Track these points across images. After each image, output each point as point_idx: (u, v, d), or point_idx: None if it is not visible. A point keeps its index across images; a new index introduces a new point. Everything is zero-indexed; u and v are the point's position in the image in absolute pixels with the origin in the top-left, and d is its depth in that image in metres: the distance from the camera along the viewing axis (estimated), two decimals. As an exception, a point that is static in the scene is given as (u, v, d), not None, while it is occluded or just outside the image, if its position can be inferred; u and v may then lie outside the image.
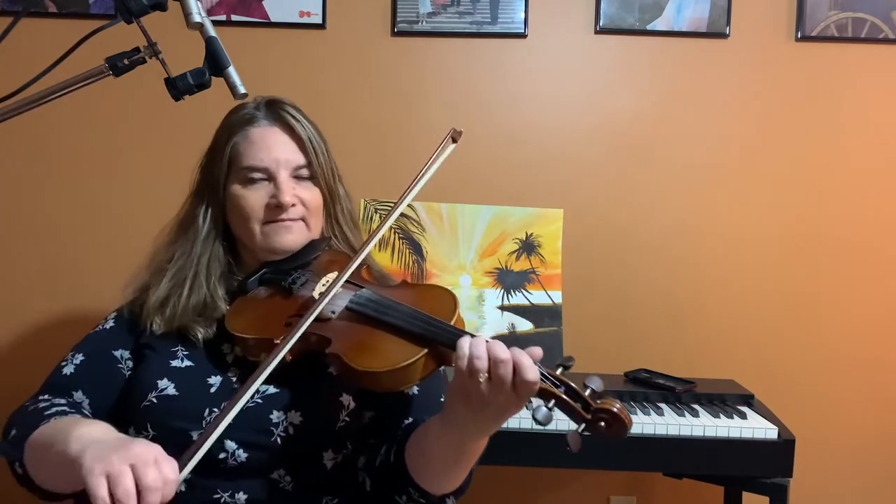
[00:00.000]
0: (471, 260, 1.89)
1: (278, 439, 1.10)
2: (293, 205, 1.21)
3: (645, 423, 1.58)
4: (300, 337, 1.05)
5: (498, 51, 2.03)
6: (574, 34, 2.03)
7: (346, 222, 1.30)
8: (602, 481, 2.08)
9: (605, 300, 2.05)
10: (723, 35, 2.01)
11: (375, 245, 1.37)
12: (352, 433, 1.17)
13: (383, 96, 2.04)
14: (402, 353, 1.01)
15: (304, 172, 1.24)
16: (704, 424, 1.59)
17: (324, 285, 1.17)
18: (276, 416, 1.11)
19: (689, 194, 2.05)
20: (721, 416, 1.63)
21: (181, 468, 0.92)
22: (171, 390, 1.14)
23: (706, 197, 2.05)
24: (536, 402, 0.94)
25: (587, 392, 0.95)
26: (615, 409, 0.92)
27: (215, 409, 1.12)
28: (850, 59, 2.02)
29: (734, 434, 1.58)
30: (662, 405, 1.69)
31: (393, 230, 1.87)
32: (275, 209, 1.20)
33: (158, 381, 1.15)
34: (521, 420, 1.54)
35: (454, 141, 1.21)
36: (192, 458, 0.93)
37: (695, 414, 1.64)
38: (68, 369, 1.20)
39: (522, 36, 2.02)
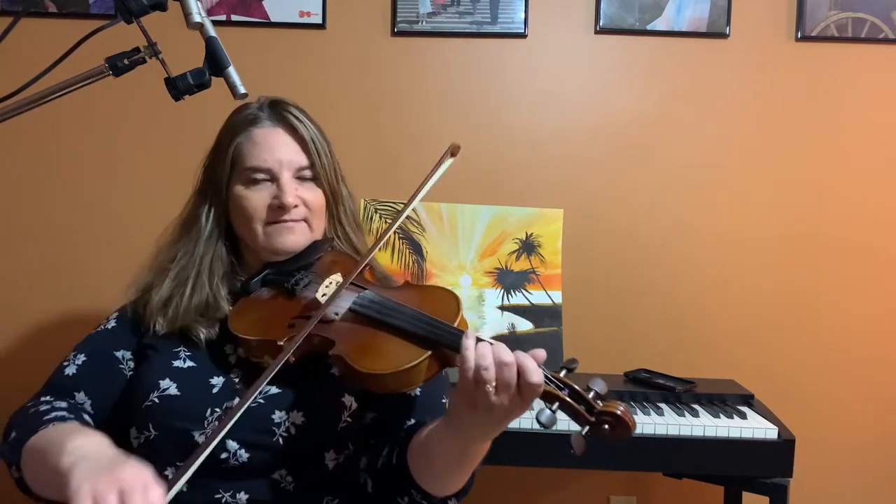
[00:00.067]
0: (471, 260, 1.89)
1: (280, 439, 1.11)
2: (296, 206, 1.21)
3: (645, 423, 1.58)
4: (304, 338, 1.05)
5: (498, 51, 2.03)
6: (574, 34, 2.03)
7: (348, 223, 1.30)
8: (602, 481, 2.08)
9: (605, 300, 2.05)
10: (723, 35, 2.01)
11: (376, 245, 1.37)
12: (353, 434, 1.17)
13: (383, 96, 2.04)
14: (405, 355, 1.01)
15: (307, 173, 1.24)
16: (704, 424, 1.59)
17: (327, 287, 1.17)
18: (278, 416, 1.11)
19: (690, 194, 2.05)
20: (721, 416, 1.63)
21: (178, 479, 0.92)
22: (174, 390, 1.14)
23: (706, 197, 2.05)
24: (540, 404, 0.94)
25: (591, 394, 0.95)
26: (619, 412, 0.92)
27: (217, 410, 1.12)
28: (850, 59, 2.02)
29: (734, 434, 1.58)
30: (662, 405, 1.69)
31: (394, 231, 1.86)
32: (277, 210, 1.20)
33: (160, 382, 1.15)
34: (521, 420, 1.53)
35: (452, 155, 1.22)
36: (186, 471, 0.94)
37: (695, 414, 1.64)
38: (70, 370, 1.20)
39: (522, 36, 2.02)
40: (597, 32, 2.02)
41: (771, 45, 2.02)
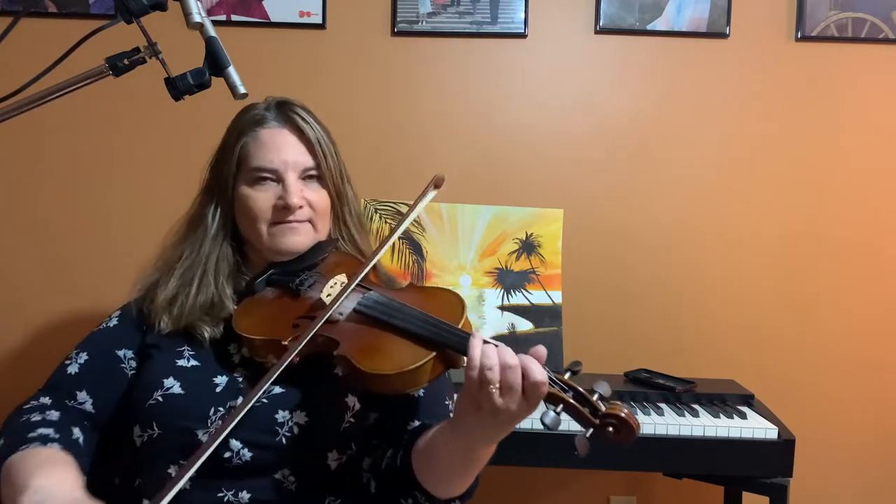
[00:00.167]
0: (471, 260, 1.89)
1: (283, 439, 1.11)
2: (300, 206, 1.21)
3: (645, 423, 1.58)
4: (308, 339, 1.05)
5: (498, 51, 2.03)
6: (574, 34, 2.03)
7: (353, 224, 1.31)
8: (602, 481, 2.08)
9: (605, 300, 2.05)
10: (723, 35, 2.01)
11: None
12: (356, 434, 1.17)
13: (383, 96, 2.04)
14: (410, 356, 1.01)
15: (313, 174, 1.24)
16: (704, 424, 1.59)
17: (332, 287, 1.17)
18: (281, 415, 1.12)
19: (690, 194, 2.05)
20: (721, 416, 1.63)
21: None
22: (177, 389, 1.14)
23: (706, 197, 2.05)
24: (544, 406, 0.94)
25: (595, 397, 0.95)
26: (623, 415, 0.92)
27: (221, 409, 1.12)
28: (850, 59, 2.02)
29: (734, 434, 1.58)
30: (662, 405, 1.69)
31: (393, 230, 1.86)
32: (282, 210, 1.20)
33: (164, 380, 1.15)
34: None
35: (436, 187, 1.23)
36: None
37: (695, 414, 1.64)
38: (72, 368, 1.20)
39: (522, 36, 2.02)
40: (597, 32, 2.02)
41: (771, 45, 2.02)
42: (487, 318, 1.85)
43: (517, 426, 0.99)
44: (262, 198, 1.21)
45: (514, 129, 2.05)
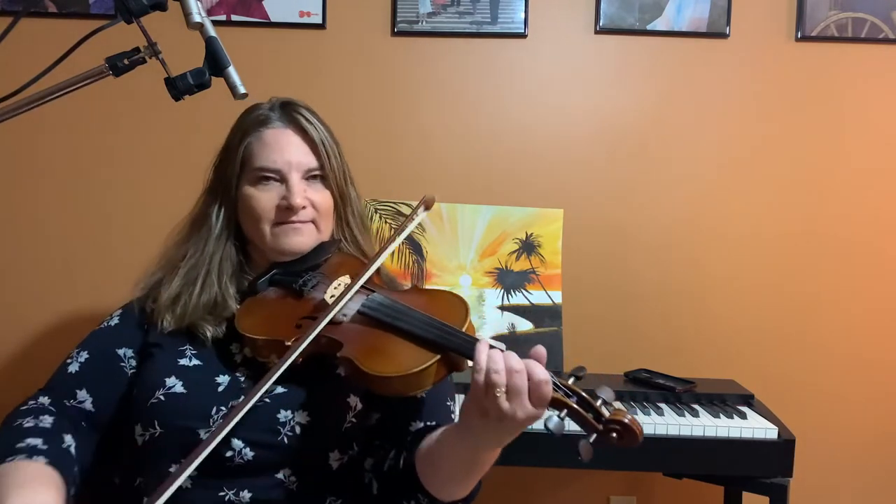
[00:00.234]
0: (471, 260, 1.89)
1: (285, 438, 1.11)
2: (304, 207, 1.21)
3: (645, 423, 1.58)
4: (312, 339, 1.05)
5: (498, 51, 2.03)
6: (574, 34, 2.03)
7: (356, 225, 1.31)
8: (602, 481, 2.08)
9: (605, 300, 2.05)
10: (723, 35, 2.01)
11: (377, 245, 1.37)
12: (358, 434, 1.17)
13: (383, 96, 2.04)
14: (414, 359, 1.02)
15: (316, 175, 1.24)
16: (704, 424, 1.59)
17: (335, 288, 1.17)
18: (283, 415, 1.12)
19: (689, 194, 2.05)
20: (721, 416, 1.63)
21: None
22: (179, 388, 1.14)
23: (706, 197, 2.05)
24: (548, 411, 0.95)
25: (598, 402, 0.95)
26: (626, 420, 0.93)
27: (223, 408, 1.12)
28: (850, 59, 2.02)
29: (734, 434, 1.58)
30: (662, 405, 1.69)
31: (392, 230, 1.87)
32: (285, 211, 1.21)
33: (166, 379, 1.15)
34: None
35: (427, 208, 1.24)
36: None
37: (695, 414, 1.64)
38: (73, 367, 1.20)
39: (522, 36, 2.02)
40: (597, 32, 2.02)
41: (771, 45, 2.02)
42: (487, 318, 1.85)
43: (518, 427, 0.98)
44: (265, 198, 1.21)
45: (514, 129, 2.05)
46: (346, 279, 1.19)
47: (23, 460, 1.03)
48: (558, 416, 0.94)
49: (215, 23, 1.19)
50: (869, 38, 2.00)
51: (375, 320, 1.10)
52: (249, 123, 1.25)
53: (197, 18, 0.97)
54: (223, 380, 1.16)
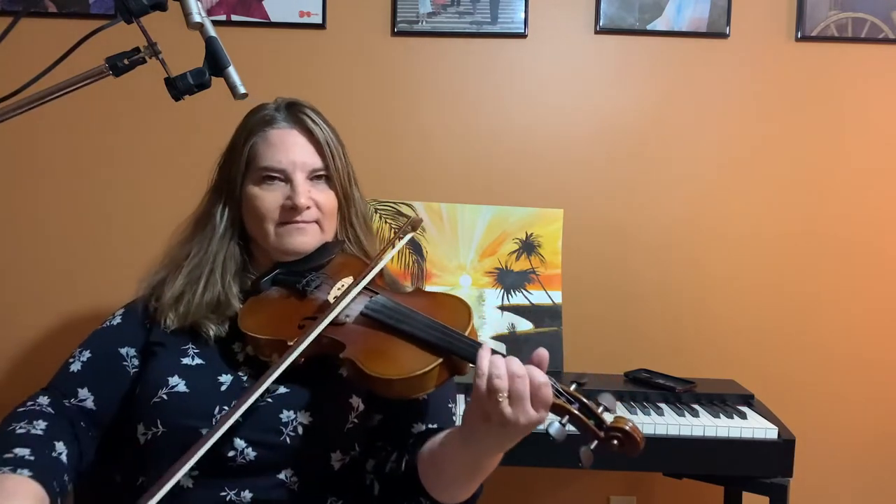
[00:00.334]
0: (471, 260, 1.89)
1: (287, 438, 1.11)
2: (308, 207, 1.21)
3: (645, 423, 1.58)
4: (314, 340, 1.05)
5: (498, 51, 2.03)
6: (574, 34, 2.03)
7: (360, 226, 1.31)
8: (602, 481, 2.08)
9: (605, 300, 2.05)
10: (723, 35, 2.01)
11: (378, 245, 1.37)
12: (360, 435, 1.17)
13: (383, 96, 2.04)
14: (416, 362, 1.02)
15: (321, 175, 1.25)
16: (704, 424, 1.59)
17: (339, 289, 1.18)
18: (285, 415, 1.12)
19: (689, 194, 2.05)
20: (721, 416, 1.63)
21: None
22: (182, 387, 1.14)
23: (706, 197, 2.05)
24: (550, 417, 0.95)
25: (600, 409, 0.96)
26: (628, 428, 0.93)
27: (225, 408, 1.12)
28: (850, 59, 2.02)
29: (734, 434, 1.58)
30: (662, 405, 1.69)
31: (392, 230, 1.87)
32: (290, 210, 1.21)
33: (169, 378, 1.15)
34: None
35: (413, 230, 1.25)
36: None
37: (695, 414, 1.64)
38: (75, 366, 1.21)
39: (522, 36, 2.02)
40: (597, 32, 2.02)
41: (771, 45, 2.02)
42: (487, 318, 1.85)
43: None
44: (269, 197, 1.21)
45: (514, 129, 2.05)
46: (349, 280, 1.19)
47: (6, 474, 1.02)
48: (560, 423, 0.94)
49: (215, 23, 1.19)
50: (869, 38, 2.00)
51: (378, 322, 1.10)
52: (255, 123, 1.25)
53: (197, 18, 0.97)
54: (226, 379, 1.16)
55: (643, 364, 1.93)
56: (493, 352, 0.97)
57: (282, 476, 1.12)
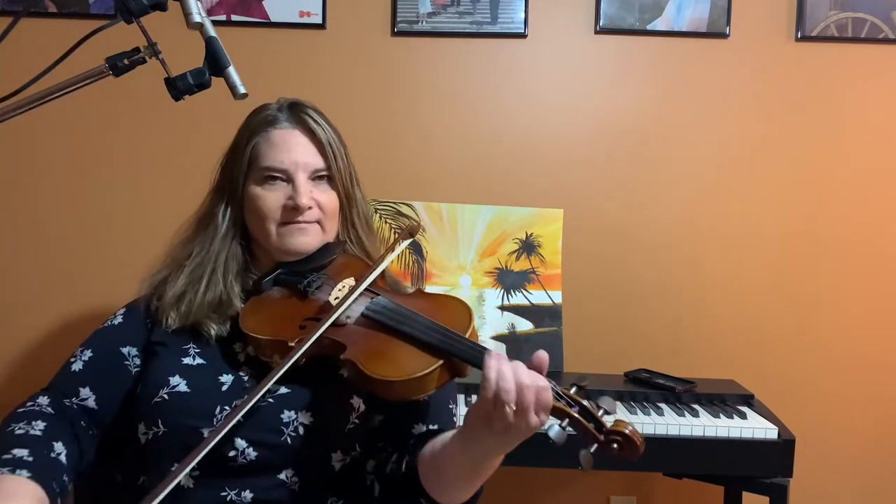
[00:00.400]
0: (471, 260, 1.89)
1: (288, 439, 1.11)
2: (310, 207, 1.22)
3: (645, 423, 1.58)
4: (315, 340, 1.05)
5: (498, 51, 2.03)
6: (574, 34, 2.03)
7: (361, 226, 1.31)
8: (602, 481, 2.08)
9: (605, 300, 2.05)
10: (723, 35, 2.01)
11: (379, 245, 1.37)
12: (361, 436, 1.18)
13: (383, 96, 2.04)
14: (417, 364, 1.02)
15: (323, 175, 1.25)
16: (704, 424, 1.59)
17: (340, 290, 1.18)
18: (286, 415, 1.12)
19: (690, 194, 2.05)
20: (721, 416, 1.63)
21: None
22: (183, 387, 1.14)
23: (706, 197, 2.05)
24: (550, 421, 0.95)
25: (600, 412, 0.96)
26: (628, 432, 0.93)
27: (226, 408, 1.12)
28: (850, 59, 2.02)
29: (734, 434, 1.58)
30: (662, 405, 1.69)
31: (393, 230, 1.87)
32: (291, 211, 1.21)
33: (170, 378, 1.15)
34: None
35: (411, 235, 1.25)
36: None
37: (695, 414, 1.64)
38: (77, 366, 1.21)
39: (522, 36, 2.02)
40: (597, 32, 2.02)
41: (771, 45, 2.02)
42: (487, 318, 1.85)
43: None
44: (271, 198, 1.22)
45: (514, 129, 2.05)
46: (350, 281, 1.19)
47: (4, 475, 1.02)
48: (560, 426, 0.94)
49: (215, 23, 1.19)
50: (869, 38, 2.00)
51: (379, 323, 1.10)
52: (257, 123, 1.25)
53: (197, 18, 0.97)
54: (227, 379, 1.16)
55: (643, 364, 1.93)
56: (498, 356, 0.97)
57: (282, 476, 1.12)
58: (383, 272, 1.26)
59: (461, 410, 1.43)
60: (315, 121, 1.25)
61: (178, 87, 0.99)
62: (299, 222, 1.22)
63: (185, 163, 1.98)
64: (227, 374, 1.17)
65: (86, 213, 2.03)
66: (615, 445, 0.93)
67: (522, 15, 2.01)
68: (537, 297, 1.88)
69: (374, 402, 1.18)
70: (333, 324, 1.09)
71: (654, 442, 1.56)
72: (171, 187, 1.98)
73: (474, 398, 1.64)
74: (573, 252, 1.96)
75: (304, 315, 1.15)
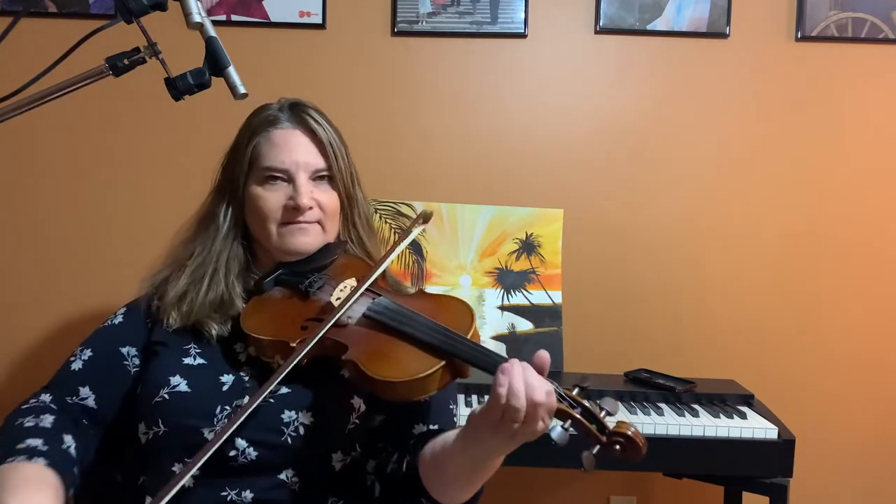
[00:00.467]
0: (471, 260, 1.89)
1: (289, 439, 1.11)
2: (310, 207, 1.22)
3: (645, 423, 1.58)
4: (316, 341, 1.05)
5: (498, 51, 2.03)
6: (574, 34, 2.03)
7: (362, 227, 1.31)
8: (602, 481, 2.08)
9: (605, 300, 2.05)
10: (723, 35, 2.01)
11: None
12: (361, 436, 1.18)
13: (383, 96, 2.04)
14: (419, 364, 1.02)
15: (324, 175, 1.25)
16: (704, 424, 1.59)
17: (342, 291, 1.18)
18: (287, 415, 1.12)
19: (689, 194, 2.05)
20: (721, 416, 1.63)
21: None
22: (184, 387, 1.14)
23: (706, 197, 2.05)
24: (553, 422, 0.95)
25: (602, 413, 0.95)
26: (630, 433, 0.93)
27: (227, 408, 1.12)
28: (850, 59, 2.02)
29: (734, 434, 1.58)
30: (662, 405, 1.69)
31: (393, 230, 1.87)
32: (292, 211, 1.21)
33: (171, 378, 1.15)
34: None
35: (424, 222, 1.25)
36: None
37: (695, 414, 1.64)
38: (76, 365, 1.21)
39: (522, 36, 2.02)
40: (597, 32, 2.02)
41: (771, 45, 2.02)
42: (487, 318, 1.85)
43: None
44: (272, 198, 1.22)
45: (514, 129, 2.05)
46: (352, 282, 1.19)
47: (22, 461, 1.03)
48: (562, 427, 0.94)
49: (215, 23, 1.19)
50: (869, 38, 2.00)
51: (381, 324, 1.10)
52: (258, 123, 1.25)
53: (197, 18, 0.97)
54: (227, 379, 1.16)
55: (643, 364, 1.93)
56: (505, 359, 0.97)
57: (283, 476, 1.12)
58: (385, 272, 1.26)
59: (461, 410, 1.43)
60: (316, 121, 1.25)
61: (178, 87, 0.99)
62: (300, 222, 1.22)
63: (186, 163, 1.98)
64: (228, 375, 1.17)
65: (86, 213, 2.03)
66: (617, 447, 0.93)
67: (522, 15, 2.01)
68: (537, 297, 1.88)
69: (375, 403, 1.18)
70: (335, 324, 1.09)
71: (654, 442, 1.55)
72: (172, 187, 1.98)
73: (474, 398, 1.65)
74: (573, 252, 1.96)
75: (305, 315, 1.15)
